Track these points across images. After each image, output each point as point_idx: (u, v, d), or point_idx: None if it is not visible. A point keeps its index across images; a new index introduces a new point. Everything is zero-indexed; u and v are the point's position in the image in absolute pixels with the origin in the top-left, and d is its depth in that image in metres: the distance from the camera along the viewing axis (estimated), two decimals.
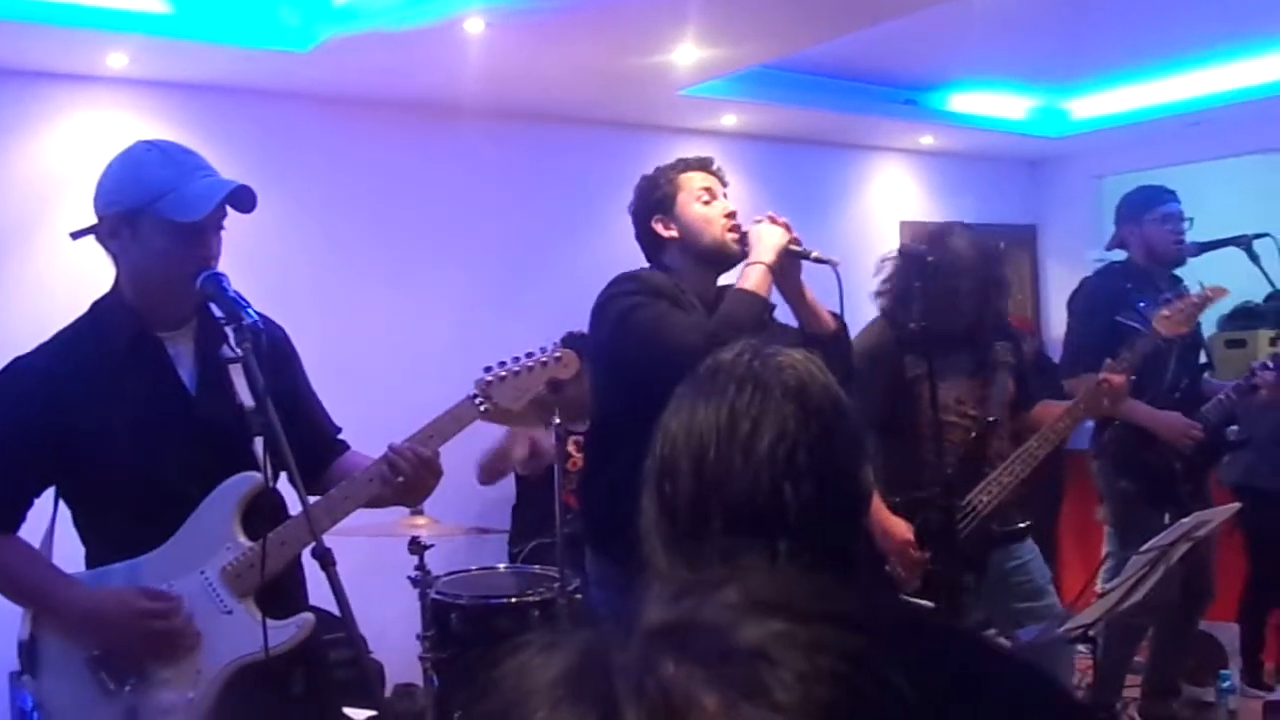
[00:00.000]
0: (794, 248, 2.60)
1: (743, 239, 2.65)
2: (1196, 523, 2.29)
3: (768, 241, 2.59)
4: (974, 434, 3.12)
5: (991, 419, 3.14)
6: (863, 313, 3.45)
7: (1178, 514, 3.22)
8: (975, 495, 3.09)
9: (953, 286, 3.08)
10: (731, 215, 2.69)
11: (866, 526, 1.17)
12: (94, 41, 3.74)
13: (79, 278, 2.12)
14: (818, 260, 2.59)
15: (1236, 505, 2.54)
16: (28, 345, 2.09)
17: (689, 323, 2.50)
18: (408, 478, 2.11)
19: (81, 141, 4.09)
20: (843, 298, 2.54)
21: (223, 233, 2.09)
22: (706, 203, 2.69)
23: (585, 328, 2.80)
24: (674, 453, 1.13)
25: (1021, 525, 3.25)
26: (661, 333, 2.47)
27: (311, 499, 2.11)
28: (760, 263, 2.56)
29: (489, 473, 4.60)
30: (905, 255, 3.13)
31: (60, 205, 3.84)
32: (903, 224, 6.68)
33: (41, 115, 4.10)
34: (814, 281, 2.72)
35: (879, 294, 3.28)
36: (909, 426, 3.10)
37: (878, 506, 2.96)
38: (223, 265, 2.08)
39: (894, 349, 3.12)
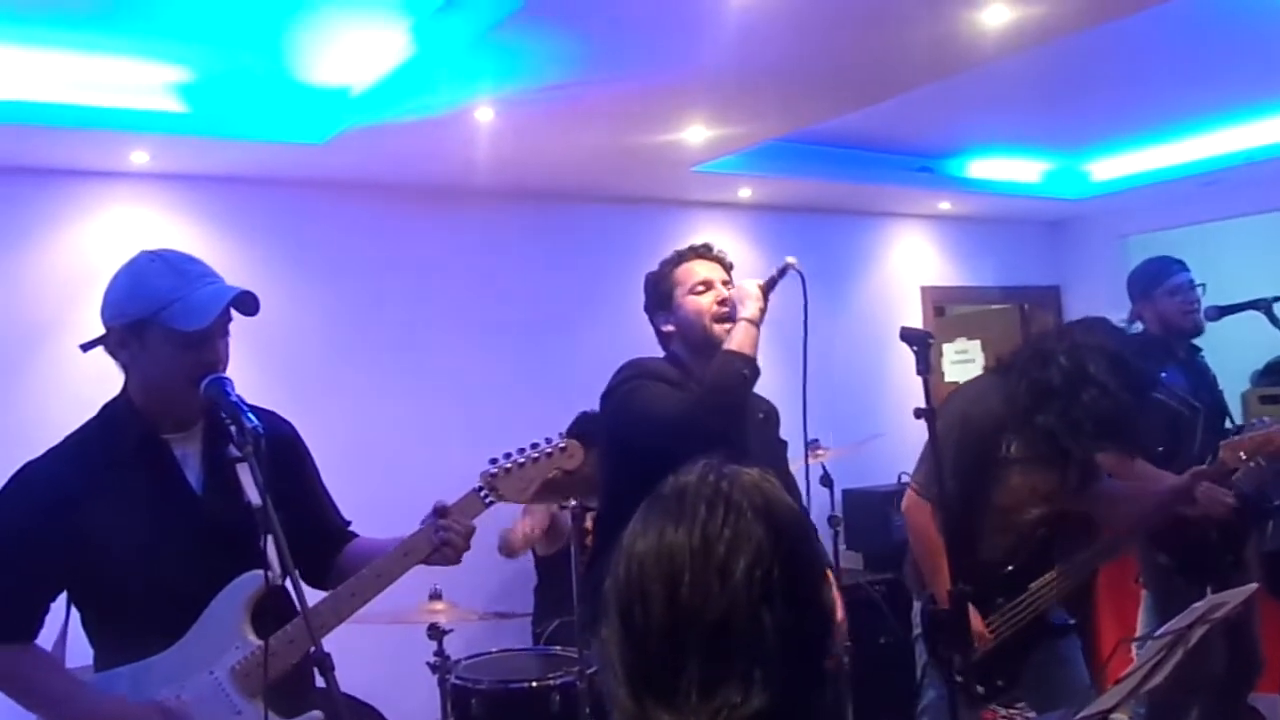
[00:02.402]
0: (763, 283, 2.66)
1: (729, 318, 2.67)
2: (1211, 605, 2.25)
3: (745, 295, 2.63)
4: (1044, 526, 3.08)
5: (1061, 515, 3.10)
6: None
7: (1219, 587, 3.17)
8: (1038, 587, 3.05)
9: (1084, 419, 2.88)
10: (723, 303, 2.71)
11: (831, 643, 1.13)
12: (117, 141, 3.86)
13: (107, 373, 2.16)
14: (782, 274, 2.65)
15: (1254, 586, 2.49)
16: (55, 440, 2.12)
17: (677, 396, 2.55)
18: (446, 548, 2.15)
19: (109, 236, 4.21)
20: (806, 294, 2.60)
21: (228, 337, 2.12)
22: (701, 293, 2.73)
23: (599, 406, 2.84)
24: (643, 577, 1.08)
25: (1070, 622, 3.21)
26: (651, 408, 2.53)
27: (320, 595, 2.14)
28: (744, 319, 2.59)
29: (507, 547, 4.54)
30: (1076, 366, 2.86)
31: (90, 299, 3.89)
32: (924, 289, 6.68)
33: (71, 212, 4.22)
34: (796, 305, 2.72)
35: (1017, 370, 3.02)
36: (982, 504, 3.01)
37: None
38: (243, 348, 2.12)
39: (997, 424, 2.98)
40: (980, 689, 2.93)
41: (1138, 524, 3.32)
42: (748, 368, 2.56)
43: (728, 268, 2.83)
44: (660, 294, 2.80)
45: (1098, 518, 3.37)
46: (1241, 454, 3.36)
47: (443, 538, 2.15)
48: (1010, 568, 3.05)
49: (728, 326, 2.64)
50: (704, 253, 2.81)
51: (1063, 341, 2.94)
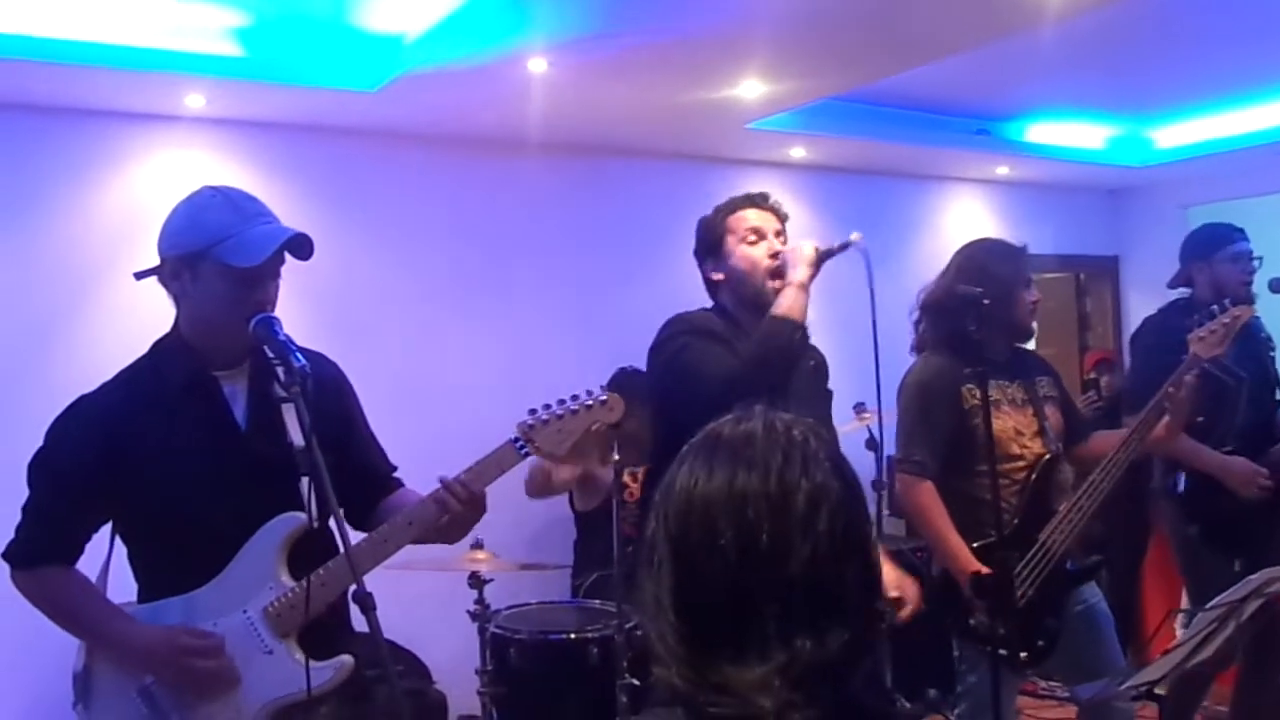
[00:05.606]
0: (822, 249, 2.60)
1: (780, 274, 2.62)
2: (1266, 578, 2.18)
3: (799, 257, 2.58)
4: (1034, 471, 3.03)
5: (1049, 455, 3.05)
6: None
7: (1249, 562, 3.07)
8: (1048, 535, 2.99)
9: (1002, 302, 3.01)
10: (775, 256, 2.65)
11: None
12: (172, 84, 3.87)
13: (159, 315, 2.18)
14: (843, 248, 2.59)
15: None
16: (111, 376, 2.15)
17: (722, 357, 2.49)
18: (455, 515, 2.12)
19: (163, 178, 4.23)
20: (870, 273, 2.51)
21: (279, 280, 2.12)
22: (753, 244, 2.68)
23: (643, 363, 2.80)
24: (710, 521, 1.04)
25: (1094, 561, 3.15)
26: (697, 368, 2.48)
27: (360, 536, 2.15)
28: (793, 283, 2.55)
29: (534, 486, 4.49)
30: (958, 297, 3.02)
31: (144, 240, 3.92)
32: None
33: (126, 154, 4.25)
34: (846, 266, 2.66)
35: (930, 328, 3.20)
36: (970, 461, 3.01)
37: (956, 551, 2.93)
38: (294, 297, 2.12)
39: (952, 378, 3.01)
40: (1024, 654, 2.89)
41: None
42: (797, 333, 2.51)
43: (782, 219, 2.76)
44: (711, 240, 2.74)
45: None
46: (1216, 345, 3.13)
47: (447, 510, 2.11)
48: (1016, 522, 2.99)
49: (778, 284, 2.59)
50: (759, 201, 2.75)
51: None
